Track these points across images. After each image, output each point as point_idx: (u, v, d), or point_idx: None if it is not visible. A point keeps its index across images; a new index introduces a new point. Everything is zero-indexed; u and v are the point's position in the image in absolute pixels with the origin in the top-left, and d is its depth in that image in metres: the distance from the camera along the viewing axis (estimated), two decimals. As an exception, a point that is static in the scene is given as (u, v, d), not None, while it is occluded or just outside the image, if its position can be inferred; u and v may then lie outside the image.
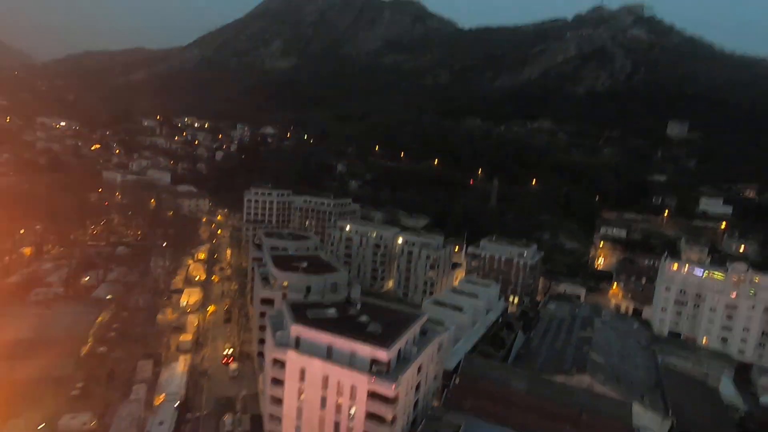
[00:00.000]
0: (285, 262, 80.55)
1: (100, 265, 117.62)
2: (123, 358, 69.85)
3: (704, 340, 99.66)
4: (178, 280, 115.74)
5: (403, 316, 62.39)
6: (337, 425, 50.65)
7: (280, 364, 53.13)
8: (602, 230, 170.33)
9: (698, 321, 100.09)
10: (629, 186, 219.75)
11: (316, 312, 58.25)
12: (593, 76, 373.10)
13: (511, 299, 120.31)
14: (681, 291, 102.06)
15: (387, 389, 48.05)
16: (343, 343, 51.13)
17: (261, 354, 73.37)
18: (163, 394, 63.80)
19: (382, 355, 49.60)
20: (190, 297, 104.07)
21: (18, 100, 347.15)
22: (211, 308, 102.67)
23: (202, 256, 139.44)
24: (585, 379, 69.81)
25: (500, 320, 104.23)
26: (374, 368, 49.63)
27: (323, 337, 52.11)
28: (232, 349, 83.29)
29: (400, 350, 52.73)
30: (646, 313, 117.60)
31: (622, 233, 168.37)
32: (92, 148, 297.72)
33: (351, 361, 50.28)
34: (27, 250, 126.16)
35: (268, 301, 72.92)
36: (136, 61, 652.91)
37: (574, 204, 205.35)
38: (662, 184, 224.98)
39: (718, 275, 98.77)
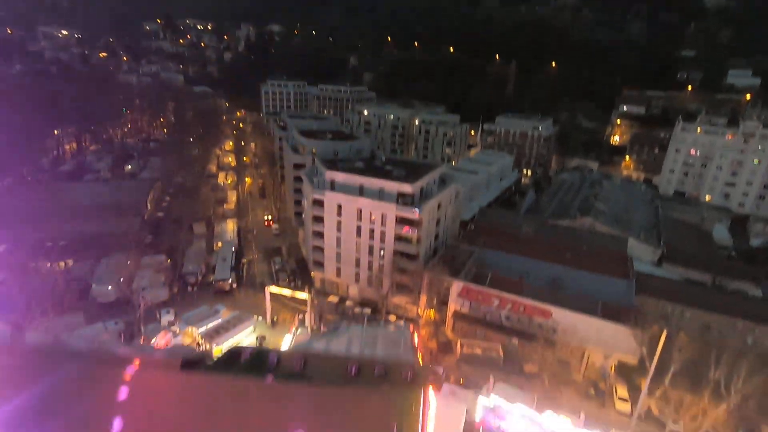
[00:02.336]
0: (311, 133, 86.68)
1: (137, 157, 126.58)
2: (179, 219, 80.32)
3: (707, 198, 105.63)
4: (211, 167, 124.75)
5: (424, 165, 70.40)
6: (371, 248, 60.42)
7: (319, 203, 61.71)
8: (621, 108, 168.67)
9: (704, 179, 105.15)
10: (654, 63, 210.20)
11: (345, 164, 65.63)
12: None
13: (524, 172, 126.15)
14: (691, 151, 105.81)
15: (412, 214, 56.52)
16: (372, 182, 58.80)
17: (298, 214, 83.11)
18: (220, 242, 75.09)
19: (407, 188, 57.32)
20: (226, 178, 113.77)
21: (13, 9, 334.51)
22: (248, 181, 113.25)
23: (229, 146, 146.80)
24: (588, 220, 77.80)
25: (513, 188, 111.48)
26: (401, 200, 57.74)
27: (355, 179, 59.78)
28: (271, 216, 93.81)
29: (422, 188, 60.31)
30: (655, 180, 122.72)
31: (641, 110, 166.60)
32: (100, 55, 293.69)
33: (380, 196, 58.28)
34: (69, 147, 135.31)
35: (299, 166, 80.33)
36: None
37: (594, 85, 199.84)
38: (691, 60, 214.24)
39: (729, 134, 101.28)
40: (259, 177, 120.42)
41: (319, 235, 63.38)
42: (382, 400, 23.69)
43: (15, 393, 23.70)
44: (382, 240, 58.92)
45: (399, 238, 58.41)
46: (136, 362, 24.87)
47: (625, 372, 49.35)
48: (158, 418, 24.23)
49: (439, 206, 63.27)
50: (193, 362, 26.13)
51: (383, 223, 58.12)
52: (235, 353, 27.99)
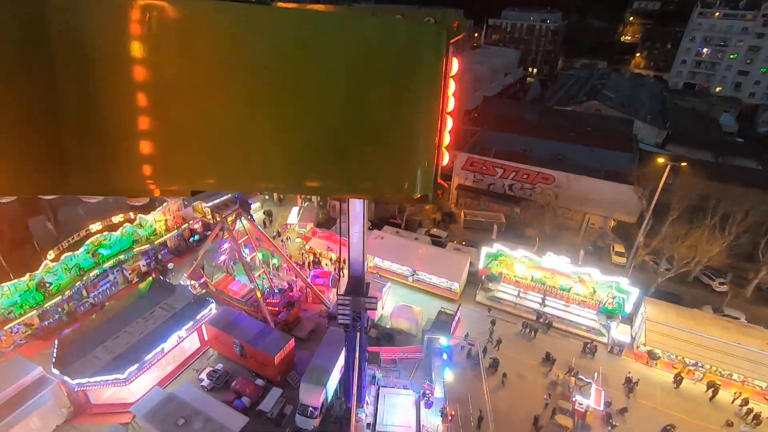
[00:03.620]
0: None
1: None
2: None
3: (718, 89, 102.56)
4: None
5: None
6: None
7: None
8: (635, 5, 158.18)
9: (716, 69, 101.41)
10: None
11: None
12: None
13: (530, 70, 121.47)
14: (706, 39, 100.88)
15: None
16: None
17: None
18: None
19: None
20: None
21: None
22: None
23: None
24: (594, 104, 76.21)
25: (517, 84, 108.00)
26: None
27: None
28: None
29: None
30: (665, 77, 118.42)
31: (656, 5, 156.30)
32: None
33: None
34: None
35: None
36: None
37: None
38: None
39: (749, 16, 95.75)
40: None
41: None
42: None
43: None
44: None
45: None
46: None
47: (624, 231, 51.06)
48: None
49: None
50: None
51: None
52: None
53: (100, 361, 29.36)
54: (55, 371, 28.59)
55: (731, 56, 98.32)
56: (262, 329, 33.37)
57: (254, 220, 37.97)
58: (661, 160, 41.80)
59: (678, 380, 33.73)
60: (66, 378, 28.01)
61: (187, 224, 47.73)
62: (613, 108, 75.15)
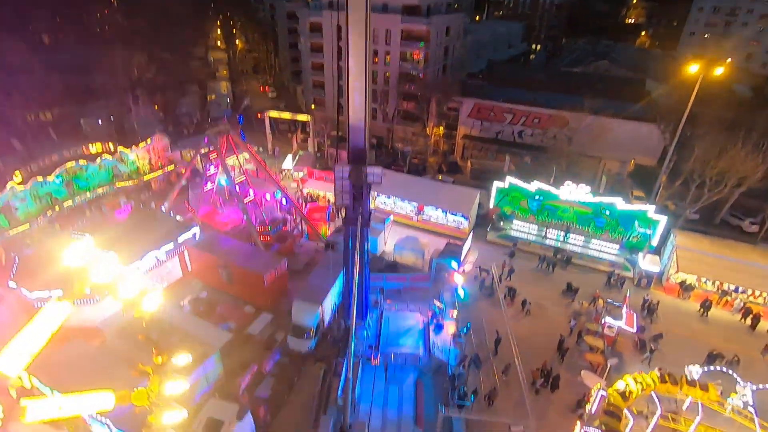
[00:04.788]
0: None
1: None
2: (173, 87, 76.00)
3: (728, 60, 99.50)
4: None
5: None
6: (374, 74, 56.46)
7: (317, 28, 56.68)
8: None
9: (727, 38, 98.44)
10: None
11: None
12: None
13: (533, 47, 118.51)
14: (714, 9, 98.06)
15: (419, 26, 51.82)
16: (374, -2, 53.38)
17: (295, 73, 78.29)
18: (213, 95, 71.05)
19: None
20: (217, 54, 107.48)
21: None
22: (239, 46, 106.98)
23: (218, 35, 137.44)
24: (603, 64, 73.11)
25: (522, 58, 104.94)
26: (407, 13, 52.70)
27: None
28: (266, 82, 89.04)
29: (429, 5, 54.94)
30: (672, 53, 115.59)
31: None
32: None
33: (384, 9, 53.02)
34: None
35: (292, 16, 73.75)
36: None
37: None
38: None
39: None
40: (252, 58, 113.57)
41: (319, 69, 59.12)
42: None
43: None
44: (387, 63, 54.77)
45: (404, 59, 54.26)
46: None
47: (643, 174, 47.64)
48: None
49: (447, 31, 58.19)
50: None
51: (388, 41, 53.59)
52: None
53: (63, 277, 25.82)
54: (12, 285, 25.06)
55: (743, 24, 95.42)
56: (252, 251, 29.90)
57: (245, 140, 34.56)
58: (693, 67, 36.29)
59: (706, 306, 30.24)
60: (24, 290, 24.47)
61: (173, 167, 44.30)
62: (624, 67, 72.01)
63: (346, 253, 22.78)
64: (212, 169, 34.25)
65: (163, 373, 14.39)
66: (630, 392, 18.00)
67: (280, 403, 22.63)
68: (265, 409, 21.15)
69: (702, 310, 30.57)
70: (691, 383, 19.29)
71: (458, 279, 27.88)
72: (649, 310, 29.94)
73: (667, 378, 19.09)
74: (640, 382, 18.48)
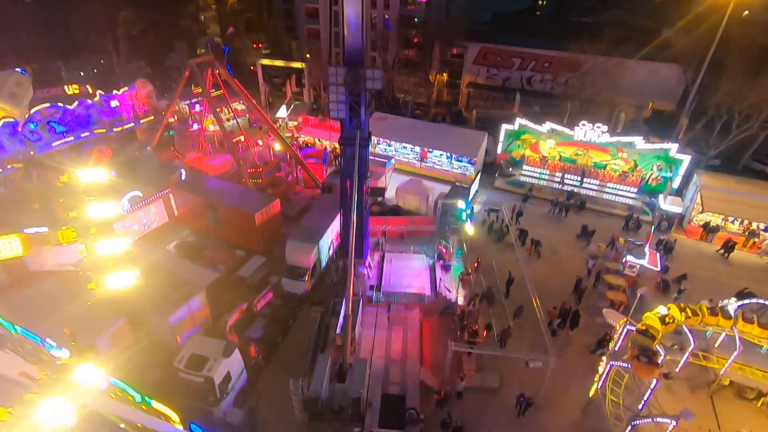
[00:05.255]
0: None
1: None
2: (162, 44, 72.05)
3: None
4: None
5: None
6: (374, 22, 52.79)
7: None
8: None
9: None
10: None
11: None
12: None
13: (539, 2, 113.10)
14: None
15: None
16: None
17: (288, 29, 74.11)
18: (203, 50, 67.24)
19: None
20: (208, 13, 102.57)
21: None
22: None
23: None
24: (617, 13, 68.87)
25: (528, 12, 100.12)
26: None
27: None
28: (259, 40, 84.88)
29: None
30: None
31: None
32: None
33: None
34: None
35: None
36: None
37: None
38: None
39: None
40: (245, 18, 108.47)
41: (313, 15, 55.37)
42: None
43: None
44: (386, 6, 50.99)
45: (405, 1, 50.49)
46: None
47: (660, 120, 44.79)
48: None
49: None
50: None
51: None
52: None
53: (33, 219, 23.59)
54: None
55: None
56: (241, 190, 27.56)
57: (231, 72, 31.68)
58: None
59: (729, 247, 28.13)
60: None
61: (162, 114, 41.40)
62: (640, 17, 67.73)
63: (343, 185, 20.38)
64: (197, 108, 31.45)
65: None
66: (672, 318, 15.94)
67: (273, 346, 20.76)
68: (256, 349, 19.24)
69: (723, 251, 28.53)
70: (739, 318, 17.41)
71: (469, 228, 25.66)
72: (666, 247, 27.81)
73: (719, 310, 17.09)
74: (685, 311, 16.44)
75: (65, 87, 35.24)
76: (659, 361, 14.98)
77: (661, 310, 16.15)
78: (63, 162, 27.10)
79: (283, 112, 44.95)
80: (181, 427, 13.47)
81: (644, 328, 15.47)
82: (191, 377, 16.11)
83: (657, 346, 16.62)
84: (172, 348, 18.34)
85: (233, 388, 17.25)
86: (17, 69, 26.05)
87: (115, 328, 18.12)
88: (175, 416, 13.83)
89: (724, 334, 19.97)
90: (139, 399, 13.95)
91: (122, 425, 12.94)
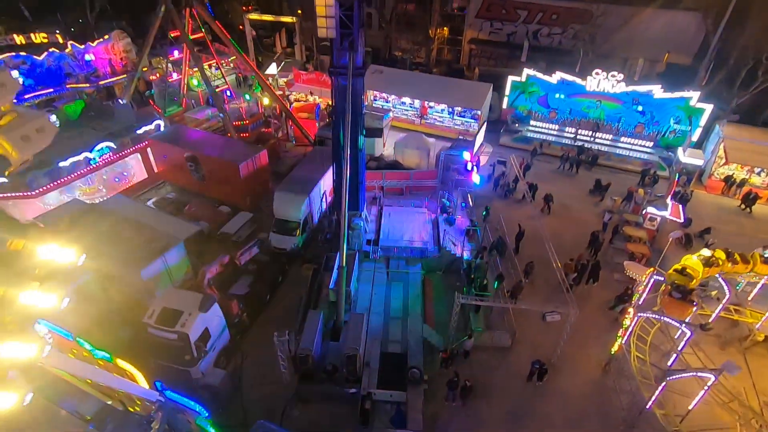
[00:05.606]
0: None
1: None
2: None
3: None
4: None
5: None
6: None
7: None
8: None
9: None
10: None
11: None
12: None
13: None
14: None
15: None
16: None
17: None
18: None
19: None
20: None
21: None
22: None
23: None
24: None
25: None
26: None
27: None
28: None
29: None
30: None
31: None
32: None
33: None
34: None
35: None
36: None
37: None
38: None
39: None
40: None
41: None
42: None
43: None
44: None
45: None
46: None
47: (675, 75, 42.08)
48: None
49: None
50: None
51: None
52: None
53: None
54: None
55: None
56: (225, 141, 25.19)
57: (213, 15, 28.84)
58: None
59: (751, 199, 26.12)
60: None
61: (140, 72, 38.46)
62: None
63: (336, 124, 18.04)
64: (176, 54, 28.70)
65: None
66: (719, 261, 13.97)
67: (260, 304, 18.82)
68: (240, 306, 17.27)
69: (744, 205, 26.51)
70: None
71: (475, 178, 23.45)
72: (682, 199, 25.74)
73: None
74: (733, 256, 14.49)
75: (32, 35, 32.24)
76: (694, 301, 13.10)
77: (705, 251, 14.18)
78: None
79: (273, 69, 41.97)
80: (147, 386, 11.61)
81: (681, 267, 13.50)
82: (163, 333, 14.14)
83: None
84: (145, 304, 16.35)
85: (213, 348, 15.34)
86: (51, 115, 22.91)
87: (77, 284, 16.08)
88: (140, 375, 11.96)
89: (758, 288, 18.13)
90: (99, 356, 12.06)
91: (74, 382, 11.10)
